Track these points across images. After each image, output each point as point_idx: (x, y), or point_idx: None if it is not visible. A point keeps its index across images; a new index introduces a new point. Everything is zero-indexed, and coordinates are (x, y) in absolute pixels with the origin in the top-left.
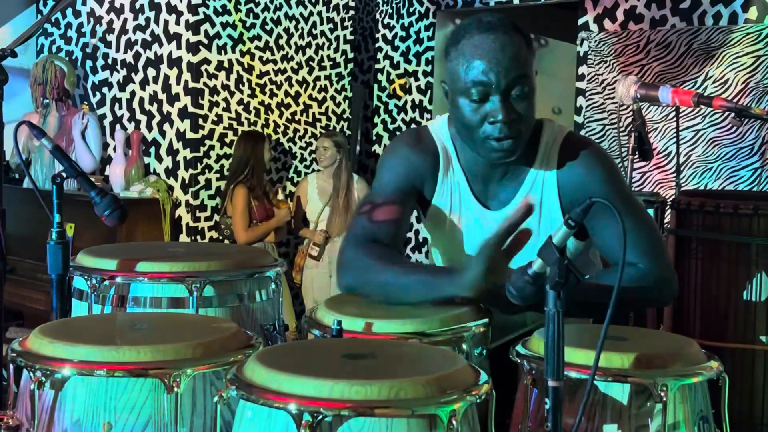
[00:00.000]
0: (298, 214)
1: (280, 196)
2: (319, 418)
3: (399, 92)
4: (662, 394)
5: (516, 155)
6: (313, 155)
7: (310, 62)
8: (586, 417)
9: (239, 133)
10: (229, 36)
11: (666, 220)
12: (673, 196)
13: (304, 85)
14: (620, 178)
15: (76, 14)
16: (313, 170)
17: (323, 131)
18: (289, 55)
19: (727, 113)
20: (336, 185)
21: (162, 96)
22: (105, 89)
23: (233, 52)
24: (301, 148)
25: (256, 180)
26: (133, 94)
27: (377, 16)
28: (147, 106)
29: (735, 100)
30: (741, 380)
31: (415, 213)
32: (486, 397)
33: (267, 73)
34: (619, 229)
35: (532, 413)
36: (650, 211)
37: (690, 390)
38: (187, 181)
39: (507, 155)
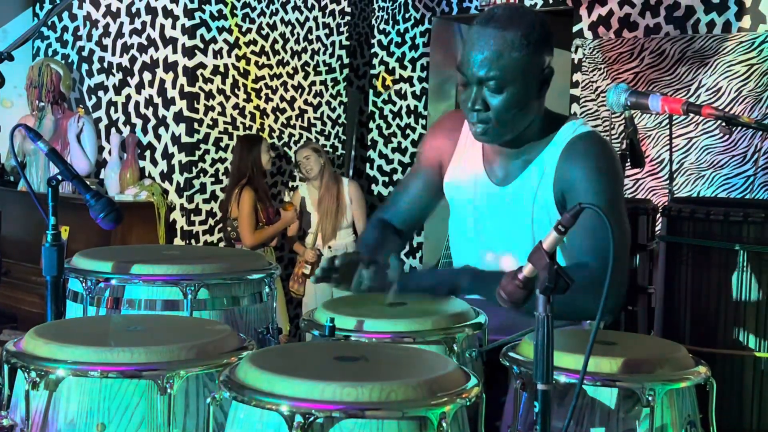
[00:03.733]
0: (301, 218)
1: (287, 198)
2: (311, 419)
3: (389, 84)
4: (650, 398)
5: (495, 139)
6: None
7: (306, 67)
8: (575, 421)
9: (234, 137)
10: (225, 40)
11: (657, 227)
12: (666, 204)
13: (300, 90)
14: (609, 178)
15: (73, 17)
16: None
17: (318, 136)
18: (284, 60)
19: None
20: (321, 190)
21: (157, 100)
22: (101, 92)
23: (229, 56)
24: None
25: (258, 182)
26: (128, 97)
27: (373, 21)
28: (142, 110)
29: (728, 108)
30: (730, 386)
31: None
32: (476, 399)
33: (262, 77)
34: (579, 230)
35: (521, 417)
36: (642, 218)
37: (678, 395)
38: (182, 185)
39: (483, 138)
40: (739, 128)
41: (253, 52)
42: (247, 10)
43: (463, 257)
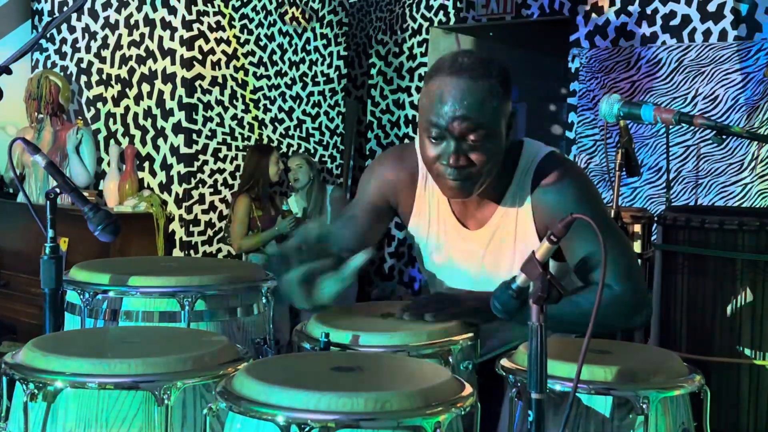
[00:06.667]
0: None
1: (285, 206)
2: (307, 429)
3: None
4: (644, 406)
5: (473, 193)
6: None
7: (304, 78)
8: (570, 429)
9: (233, 147)
10: (223, 51)
11: (653, 236)
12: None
13: (298, 101)
14: (595, 200)
15: (71, 30)
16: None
17: (316, 146)
18: (282, 71)
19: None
20: (310, 203)
21: (156, 111)
22: (99, 104)
23: (227, 67)
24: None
25: (261, 191)
26: (127, 109)
27: (371, 32)
28: (141, 121)
29: (725, 117)
30: (726, 393)
31: (396, 219)
32: (471, 409)
33: (261, 88)
34: (591, 250)
35: (516, 426)
36: (638, 227)
37: (672, 403)
38: (180, 196)
39: (460, 194)
40: (727, 138)
41: (251, 63)
42: (245, 21)
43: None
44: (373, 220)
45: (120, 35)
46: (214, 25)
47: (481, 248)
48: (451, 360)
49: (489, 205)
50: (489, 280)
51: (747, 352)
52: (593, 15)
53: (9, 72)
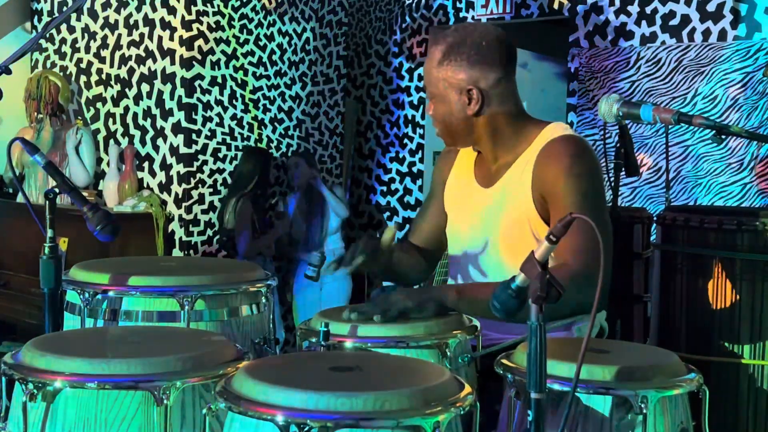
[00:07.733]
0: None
1: (281, 207)
2: (306, 429)
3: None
4: (642, 406)
5: (446, 141)
6: None
7: (303, 78)
8: (569, 429)
9: (232, 147)
10: (223, 52)
11: (652, 236)
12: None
13: (297, 101)
14: (584, 174)
15: (71, 30)
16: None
17: (316, 146)
18: (282, 71)
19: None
20: (308, 203)
21: (156, 111)
22: (99, 104)
23: (227, 67)
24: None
25: (261, 194)
26: (126, 109)
27: (370, 32)
28: (141, 121)
29: (724, 116)
30: (726, 393)
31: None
32: (470, 408)
33: (260, 88)
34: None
35: (515, 425)
36: (637, 227)
37: (670, 402)
38: (180, 196)
39: (444, 141)
40: (727, 137)
41: (250, 63)
42: (245, 21)
43: (456, 260)
44: (439, 208)
45: (119, 35)
46: (214, 25)
47: (489, 205)
48: (448, 353)
49: (502, 168)
50: (488, 235)
51: (746, 352)
52: (593, 15)
53: (9, 72)
